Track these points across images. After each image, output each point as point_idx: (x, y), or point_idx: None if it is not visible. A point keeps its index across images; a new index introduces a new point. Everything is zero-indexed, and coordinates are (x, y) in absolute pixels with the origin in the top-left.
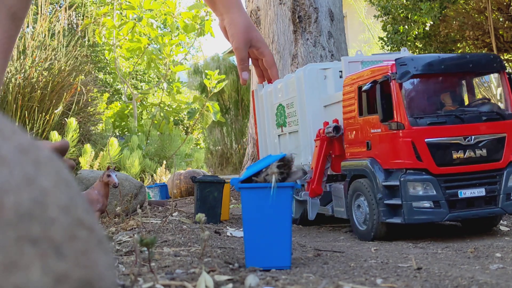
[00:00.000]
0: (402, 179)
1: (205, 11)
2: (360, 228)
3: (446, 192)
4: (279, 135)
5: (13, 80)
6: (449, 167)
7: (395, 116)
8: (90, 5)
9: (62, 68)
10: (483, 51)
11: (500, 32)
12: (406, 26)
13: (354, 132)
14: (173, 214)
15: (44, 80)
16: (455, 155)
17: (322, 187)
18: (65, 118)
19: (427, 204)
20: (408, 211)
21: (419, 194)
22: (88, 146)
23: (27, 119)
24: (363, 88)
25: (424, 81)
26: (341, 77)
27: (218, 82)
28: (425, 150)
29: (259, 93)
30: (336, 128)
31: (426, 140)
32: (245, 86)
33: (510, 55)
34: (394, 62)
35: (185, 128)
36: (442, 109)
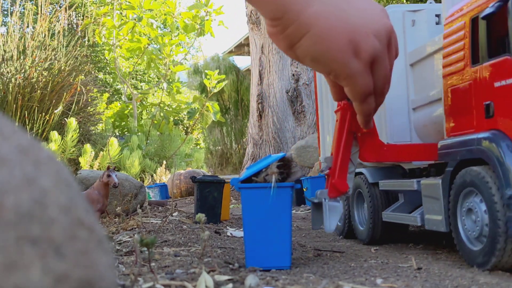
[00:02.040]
0: None
1: (205, 11)
2: (470, 248)
3: None
4: None
5: (13, 80)
6: None
7: None
8: (90, 5)
9: (62, 68)
10: None
11: None
12: None
13: (461, 93)
14: (173, 214)
15: (44, 80)
16: None
17: (349, 182)
18: (65, 118)
19: None
20: None
21: None
22: (88, 146)
23: (27, 119)
24: (483, 14)
25: None
26: (438, 23)
27: (218, 82)
28: None
29: None
30: None
31: None
32: (245, 86)
33: None
34: None
35: (185, 128)
36: None
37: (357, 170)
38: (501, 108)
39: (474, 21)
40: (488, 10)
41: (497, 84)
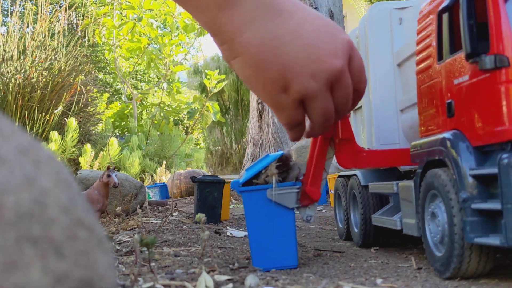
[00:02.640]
0: (503, 162)
1: None
2: (435, 253)
3: None
4: None
5: (13, 80)
6: None
7: (492, 45)
8: (90, 5)
9: (62, 68)
10: None
11: None
12: None
13: (430, 92)
14: (173, 214)
15: (44, 80)
16: None
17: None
18: (65, 118)
19: None
20: None
21: None
22: (88, 146)
23: (27, 119)
24: (441, 7)
25: None
26: None
27: (218, 82)
28: None
29: None
30: None
31: None
32: (245, 86)
33: None
34: None
35: (185, 128)
36: None
37: (352, 171)
38: (459, 107)
39: (440, 16)
40: (444, 4)
41: (456, 82)
